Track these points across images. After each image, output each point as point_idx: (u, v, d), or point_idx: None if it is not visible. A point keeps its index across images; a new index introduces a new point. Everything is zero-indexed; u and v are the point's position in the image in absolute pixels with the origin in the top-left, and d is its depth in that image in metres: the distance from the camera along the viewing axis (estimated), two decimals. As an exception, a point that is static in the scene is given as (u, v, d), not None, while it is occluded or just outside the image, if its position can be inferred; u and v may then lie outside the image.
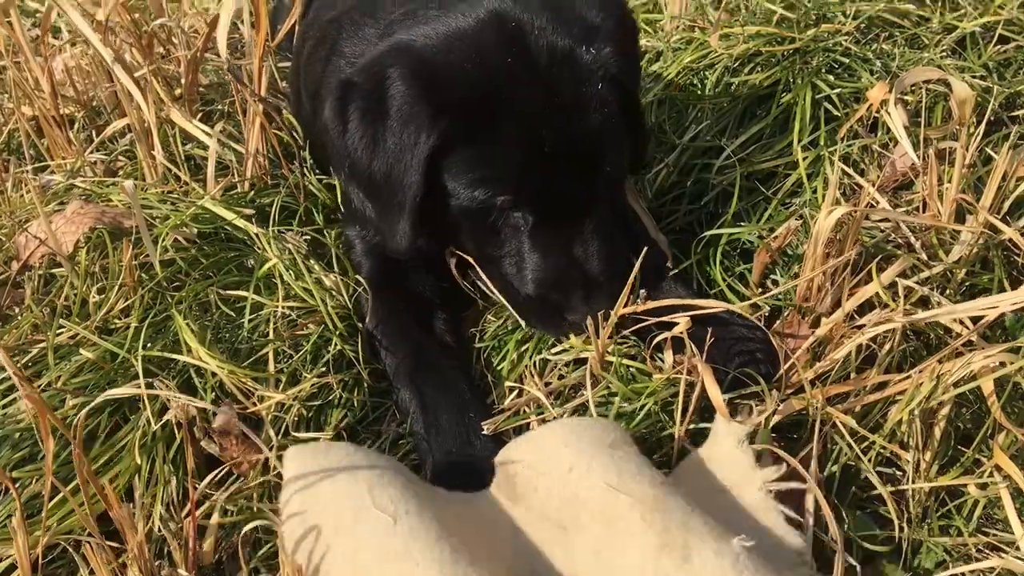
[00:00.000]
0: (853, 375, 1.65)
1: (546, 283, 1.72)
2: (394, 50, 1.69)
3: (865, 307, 1.73)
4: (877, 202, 1.92)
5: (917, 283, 1.73)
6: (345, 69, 1.96)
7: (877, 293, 1.66)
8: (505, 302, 1.80)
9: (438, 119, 1.61)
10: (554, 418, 1.63)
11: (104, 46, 2.15)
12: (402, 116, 1.62)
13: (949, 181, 1.85)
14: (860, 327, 1.65)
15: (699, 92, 2.35)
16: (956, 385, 1.54)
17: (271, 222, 2.03)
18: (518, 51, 1.63)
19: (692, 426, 1.59)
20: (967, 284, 1.83)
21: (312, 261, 1.97)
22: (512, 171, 1.65)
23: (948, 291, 1.81)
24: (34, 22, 3.52)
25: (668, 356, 1.67)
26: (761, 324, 1.76)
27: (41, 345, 1.82)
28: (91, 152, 2.42)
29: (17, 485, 1.52)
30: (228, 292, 1.91)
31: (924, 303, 1.76)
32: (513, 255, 1.74)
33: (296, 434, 1.65)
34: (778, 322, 1.80)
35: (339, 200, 2.15)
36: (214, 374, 1.72)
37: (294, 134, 2.30)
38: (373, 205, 1.81)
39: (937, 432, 1.57)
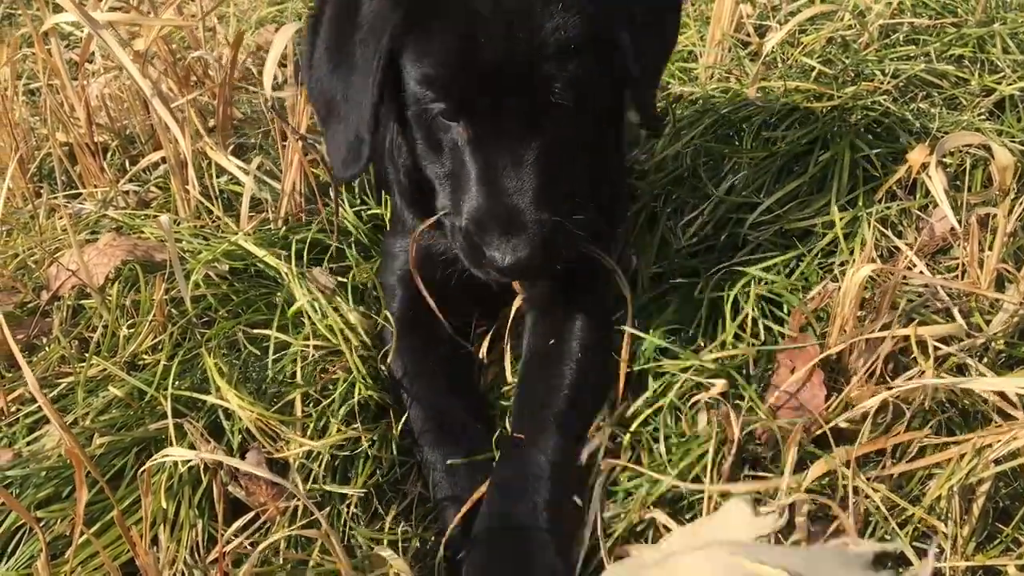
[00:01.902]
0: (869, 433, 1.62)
1: (475, 211, 1.60)
2: None
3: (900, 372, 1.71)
4: (915, 265, 1.90)
5: (958, 351, 1.71)
6: None
7: (914, 357, 1.64)
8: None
9: (397, 8, 1.57)
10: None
11: (143, 77, 2.15)
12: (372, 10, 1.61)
13: (990, 248, 1.83)
14: (893, 391, 1.63)
15: (736, 144, 2.34)
16: (997, 462, 1.51)
17: (304, 260, 2.02)
18: None
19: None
20: (1004, 355, 1.81)
21: (340, 299, 1.94)
22: (449, 73, 1.56)
23: (986, 360, 1.78)
24: (67, 44, 3.55)
25: (702, 418, 1.65)
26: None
27: (69, 379, 1.81)
28: (124, 182, 2.42)
29: (42, 525, 1.51)
30: (256, 331, 1.90)
31: (960, 370, 1.74)
32: (454, 177, 1.65)
33: (324, 486, 1.63)
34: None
35: (388, 215, 2.13)
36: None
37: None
38: (331, 111, 1.73)
39: (976, 509, 1.54)
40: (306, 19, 1.76)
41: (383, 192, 2.18)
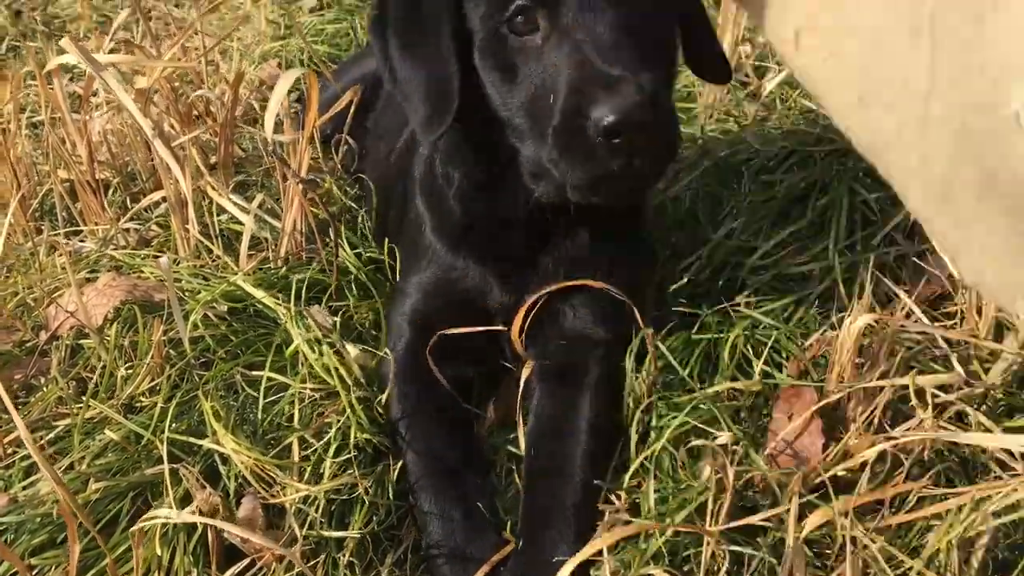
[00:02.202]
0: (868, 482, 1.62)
1: (570, 89, 1.49)
2: None
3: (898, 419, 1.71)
4: (913, 313, 1.90)
5: (957, 399, 1.71)
6: None
7: (912, 405, 1.65)
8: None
9: None
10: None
11: (144, 117, 2.16)
12: None
13: (989, 296, 1.83)
14: (891, 439, 1.63)
15: (735, 187, 2.34)
16: (996, 514, 1.50)
17: (302, 299, 2.01)
18: None
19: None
20: (1004, 404, 1.80)
21: (336, 336, 1.93)
22: None
23: (984, 408, 1.77)
24: (71, 77, 3.57)
25: (704, 469, 1.64)
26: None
27: (66, 421, 1.81)
28: (125, 221, 2.42)
29: (36, 573, 1.50)
30: (255, 373, 1.89)
31: (960, 417, 1.74)
32: (536, 99, 1.58)
33: (322, 532, 1.62)
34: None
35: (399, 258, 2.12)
36: (239, 461, 1.70)
37: (330, 209, 2.29)
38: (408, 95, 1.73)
39: (975, 561, 1.53)
40: (368, 19, 1.80)
41: (384, 238, 2.18)
